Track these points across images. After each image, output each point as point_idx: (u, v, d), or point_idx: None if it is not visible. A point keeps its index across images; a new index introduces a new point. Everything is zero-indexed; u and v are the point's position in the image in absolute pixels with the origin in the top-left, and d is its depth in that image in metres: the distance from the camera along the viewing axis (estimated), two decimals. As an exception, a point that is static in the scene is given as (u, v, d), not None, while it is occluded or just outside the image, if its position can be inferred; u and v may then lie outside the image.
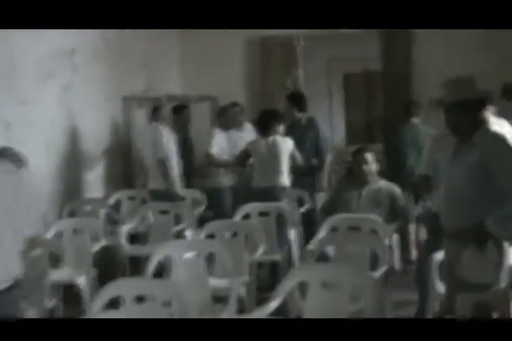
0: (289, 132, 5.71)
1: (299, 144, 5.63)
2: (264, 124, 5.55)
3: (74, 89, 5.86)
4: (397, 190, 4.79)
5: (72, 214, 5.69)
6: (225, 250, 3.79)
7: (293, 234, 5.20)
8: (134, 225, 5.40)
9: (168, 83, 7.71)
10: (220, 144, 6.16)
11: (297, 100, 6.25)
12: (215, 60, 7.81)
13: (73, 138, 5.91)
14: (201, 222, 6.11)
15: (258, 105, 7.47)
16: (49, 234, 4.77)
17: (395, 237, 4.71)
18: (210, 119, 7.79)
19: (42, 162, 5.43)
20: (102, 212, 5.84)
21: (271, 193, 5.37)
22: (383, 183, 4.82)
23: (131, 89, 6.88)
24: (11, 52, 5.09)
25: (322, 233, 4.38)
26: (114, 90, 6.58)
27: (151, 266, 3.70)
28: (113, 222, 5.84)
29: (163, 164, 5.55)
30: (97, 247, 4.76)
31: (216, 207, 6.09)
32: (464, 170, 3.04)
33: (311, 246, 4.21)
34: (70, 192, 5.85)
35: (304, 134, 6.02)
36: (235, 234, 4.47)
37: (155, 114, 5.82)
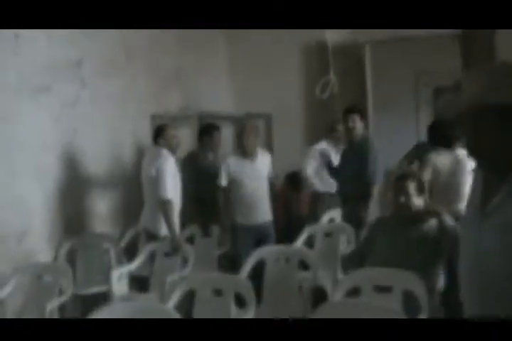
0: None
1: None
2: (444, 135, 4.41)
3: (79, 106, 5.01)
4: (450, 232, 3.36)
5: (72, 253, 4.82)
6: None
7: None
8: (131, 269, 4.44)
9: (212, 100, 6.74)
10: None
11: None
12: (266, 71, 6.81)
13: (76, 164, 5.01)
14: (226, 263, 5.13)
15: (316, 121, 6.48)
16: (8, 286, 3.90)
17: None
18: (263, 140, 6.76)
19: (33, 189, 4.61)
20: (114, 251, 4.95)
21: None
22: (432, 224, 3.43)
23: (163, 107, 5.99)
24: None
25: (337, 295, 3.19)
26: (141, 107, 5.71)
27: None
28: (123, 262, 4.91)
29: (164, 206, 4.54)
30: (56, 301, 3.77)
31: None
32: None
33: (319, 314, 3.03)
34: (71, 226, 4.96)
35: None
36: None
37: (158, 136, 4.81)
